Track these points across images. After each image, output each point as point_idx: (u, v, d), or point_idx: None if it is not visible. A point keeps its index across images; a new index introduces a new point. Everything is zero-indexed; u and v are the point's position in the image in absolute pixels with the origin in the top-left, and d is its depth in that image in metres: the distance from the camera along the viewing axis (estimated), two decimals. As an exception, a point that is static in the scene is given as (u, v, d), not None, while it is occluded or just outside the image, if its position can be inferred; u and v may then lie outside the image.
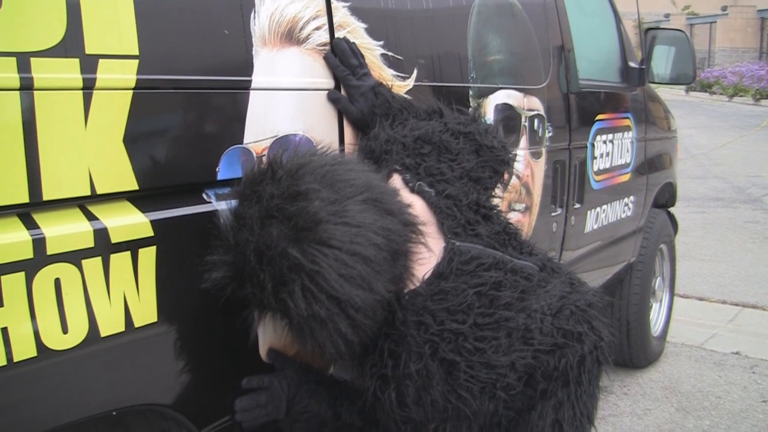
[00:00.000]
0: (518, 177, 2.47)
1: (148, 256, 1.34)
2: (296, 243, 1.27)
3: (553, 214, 2.79)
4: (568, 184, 2.87)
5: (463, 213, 1.60)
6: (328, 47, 1.73)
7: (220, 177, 1.48)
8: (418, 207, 1.55)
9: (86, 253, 1.25)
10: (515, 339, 1.43)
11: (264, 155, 1.54)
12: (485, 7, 2.37)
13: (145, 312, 1.35)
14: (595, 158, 3.12)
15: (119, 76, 1.29)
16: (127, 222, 1.32)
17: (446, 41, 2.18)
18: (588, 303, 1.53)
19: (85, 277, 1.25)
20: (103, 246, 1.27)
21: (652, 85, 3.89)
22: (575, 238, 3.02)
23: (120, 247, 1.30)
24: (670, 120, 4.19)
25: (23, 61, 1.15)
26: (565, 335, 1.45)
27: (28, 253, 1.17)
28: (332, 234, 1.28)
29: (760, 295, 5.22)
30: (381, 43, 1.89)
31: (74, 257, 1.23)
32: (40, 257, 1.18)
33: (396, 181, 1.63)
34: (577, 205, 2.98)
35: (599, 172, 3.17)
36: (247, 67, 1.53)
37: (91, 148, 1.25)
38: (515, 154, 2.00)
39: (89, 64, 1.24)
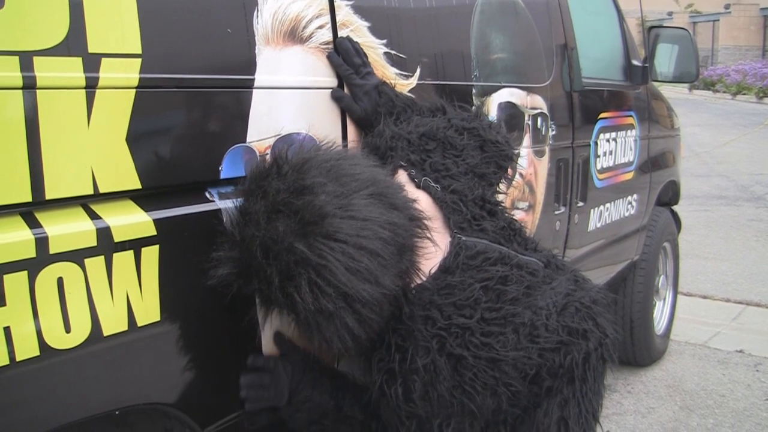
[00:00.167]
0: (521, 175, 2.47)
1: (151, 255, 1.34)
2: (303, 237, 1.26)
3: (557, 212, 2.78)
4: (571, 182, 2.86)
5: (468, 208, 1.60)
6: (331, 46, 1.72)
7: (223, 176, 1.48)
8: (423, 202, 1.55)
9: (89, 252, 1.24)
10: (522, 335, 1.43)
11: (267, 153, 1.53)
12: (488, 6, 2.37)
13: (148, 311, 1.35)
14: (599, 156, 3.11)
15: (122, 74, 1.28)
16: (130, 221, 1.31)
17: (449, 39, 2.18)
18: (592, 300, 1.52)
19: (87, 276, 1.24)
20: (106, 245, 1.27)
21: (656, 83, 3.88)
22: (578, 237, 3.01)
23: (123, 246, 1.29)
24: (674, 118, 4.18)
25: (26, 60, 1.14)
26: (570, 332, 1.45)
27: (30, 252, 1.16)
28: (339, 228, 1.28)
29: (764, 293, 5.21)
30: (384, 41, 1.88)
31: (77, 256, 1.23)
32: (43, 256, 1.18)
33: (401, 176, 1.63)
34: (581, 204, 2.98)
35: (602, 171, 3.16)
36: (250, 66, 1.52)
37: (93, 146, 1.25)
38: (519, 150, 2.00)
39: (92, 63, 1.23)
